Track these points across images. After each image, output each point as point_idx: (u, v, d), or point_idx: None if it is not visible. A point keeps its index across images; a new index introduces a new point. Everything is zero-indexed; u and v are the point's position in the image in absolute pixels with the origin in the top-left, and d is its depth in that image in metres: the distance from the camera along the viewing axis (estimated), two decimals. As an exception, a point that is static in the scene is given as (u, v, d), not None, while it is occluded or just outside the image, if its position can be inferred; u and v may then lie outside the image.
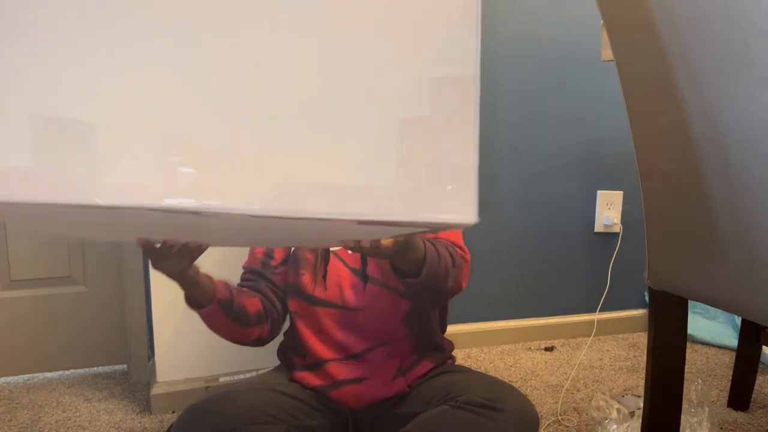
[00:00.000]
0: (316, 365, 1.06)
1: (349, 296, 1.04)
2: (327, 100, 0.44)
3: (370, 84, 0.45)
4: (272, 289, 1.10)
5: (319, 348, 1.06)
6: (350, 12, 0.44)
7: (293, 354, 1.10)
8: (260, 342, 1.07)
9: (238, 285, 1.11)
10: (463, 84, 0.48)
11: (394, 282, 1.03)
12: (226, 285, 1.01)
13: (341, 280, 1.05)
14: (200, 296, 0.95)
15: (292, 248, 1.10)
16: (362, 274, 1.04)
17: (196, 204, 0.43)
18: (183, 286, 0.92)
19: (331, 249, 1.07)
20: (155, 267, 0.84)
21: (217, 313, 0.97)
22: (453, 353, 1.16)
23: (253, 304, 1.04)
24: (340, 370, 1.04)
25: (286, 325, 1.14)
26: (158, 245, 0.80)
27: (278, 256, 1.11)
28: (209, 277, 0.97)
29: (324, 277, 1.05)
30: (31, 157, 0.40)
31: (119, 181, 0.42)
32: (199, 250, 0.83)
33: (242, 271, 1.13)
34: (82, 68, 0.42)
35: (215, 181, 0.43)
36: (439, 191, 0.47)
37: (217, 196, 0.43)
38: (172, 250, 0.80)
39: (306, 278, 1.06)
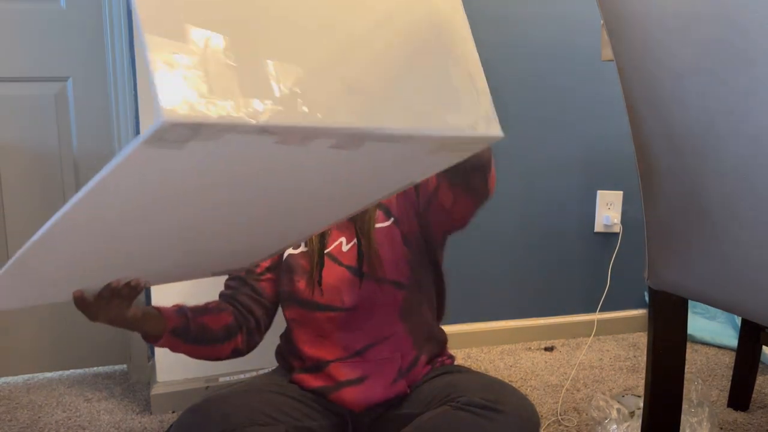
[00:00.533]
0: (316, 368, 1.05)
1: (348, 297, 1.04)
2: (399, 57, 0.60)
3: (422, 45, 0.62)
4: (253, 296, 1.09)
5: (319, 352, 1.05)
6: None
7: (292, 357, 1.10)
8: (238, 353, 1.07)
9: (221, 292, 1.10)
10: (466, 44, 0.66)
11: (391, 274, 1.03)
12: (179, 310, 1.00)
13: (338, 281, 1.05)
14: (151, 330, 0.95)
15: (285, 255, 1.09)
16: (358, 271, 1.04)
17: (363, 126, 0.54)
18: (128, 328, 0.91)
19: (324, 251, 1.07)
20: (94, 319, 0.84)
21: (173, 342, 0.97)
22: (453, 353, 1.16)
23: (218, 319, 1.03)
24: (341, 371, 1.03)
25: (282, 328, 1.14)
26: (92, 299, 0.81)
27: (263, 263, 1.11)
28: (156, 309, 0.96)
29: (320, 282, 1.05)
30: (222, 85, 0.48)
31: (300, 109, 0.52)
32: (137, 290, 0.83)
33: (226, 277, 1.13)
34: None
35: (375, 107, 0.56)
36: (485, 117, 0.63)
37: (373, 119, 0.55)
38: (115, 291, 0.81)
39: (301, 285, 1.06)
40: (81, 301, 0.81)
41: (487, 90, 0.64)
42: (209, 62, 0.47)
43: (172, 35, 0.46)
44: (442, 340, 1.14)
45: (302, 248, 1.08)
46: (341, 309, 1.04)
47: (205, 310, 1.04)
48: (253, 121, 0.47)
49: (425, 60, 0.62)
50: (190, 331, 0.99)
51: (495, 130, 0.63)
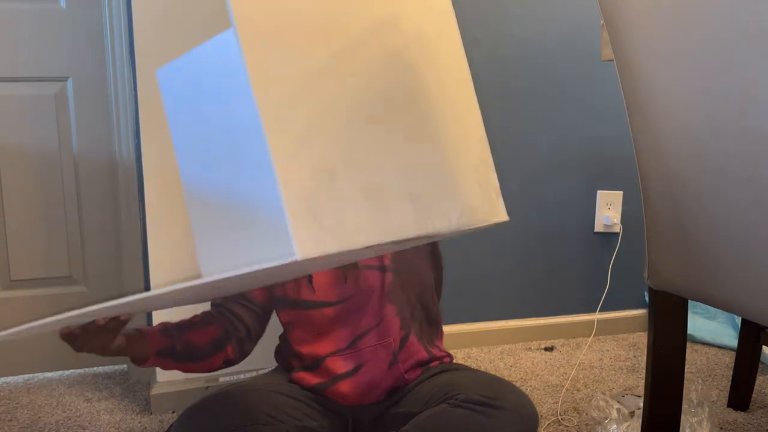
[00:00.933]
0: (314, 365, 1.06)
1: (339, 289, 1.04)
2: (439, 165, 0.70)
3: (454, 149, 0.71)
4: (243, 304, 1.09)
5: (316, 349, 1.05)
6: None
7: (290, 357, 1.10)
8: (229, 363, 1.07)
9: (212, 301, 1.10)
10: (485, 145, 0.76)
11: (371, 259, 1.04)
12: (164, 330, 0.99)
13: (327, 276, 1.05)
14: (137, 355, 0.95)
15: None
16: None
17: (420, 234, 0.64)
18: (114, 356, 0.91)
19: None
20: (79, 350, 0.85)
21: (161, 362, 0.98)
22: (452, 353, 1.16)
23: (205, 334, 1.03)
24: (338, 364, 1.04)
25: (281, 328, 1.14)
26: (78, 330, 0.83)
27: None
28: (141, 331, 0.96)
29: (310, 280, 1.05)
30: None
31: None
32: (122, 323, 0.84)
33: None
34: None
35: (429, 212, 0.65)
36: (495, 205, 0.73)
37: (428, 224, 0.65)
38: (102, 326, 0.82)
39: (292, 285, 1.06)
40: (67, 336, 0.82)
41: (496, 178, 0.75)
42: (328, 199, 0.55)
43: (302, 177, 0.54)
44: (435, 318, 1.14)
45: None
46: (334, 303, 1.04)
47: (191, 325, 1.03)
48: (356, 246, 0.56)
49: (454, 159, 0.71)
50: (176, 350, 0.99)
51: (503, 216, 0.74)
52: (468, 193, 0.70)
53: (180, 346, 0.99)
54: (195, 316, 1.07)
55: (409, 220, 0.63)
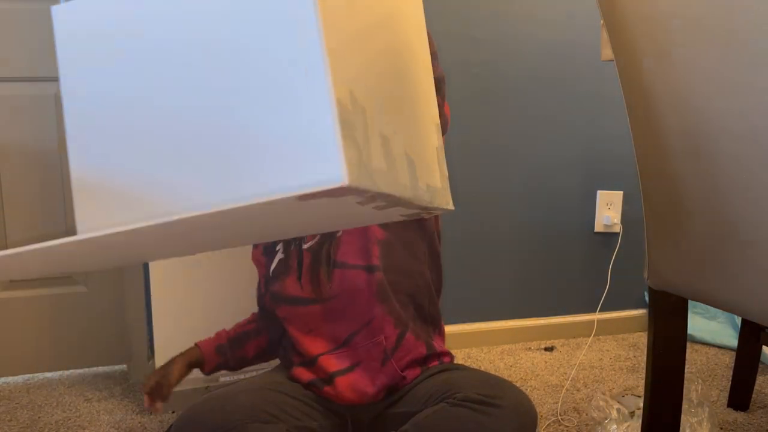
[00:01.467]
0: (310, 362, 1.06)
1: (323, 288, 1.05)
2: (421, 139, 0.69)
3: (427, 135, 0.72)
4: (276, 322, 1.14)
5: (310, 345, 1.06)
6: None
7: (291, 353, 1.11)
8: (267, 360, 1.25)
9: (260, 305, 1.19)
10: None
11: (357, 259, 1.05)
12: (219, 349, 1.17)
13: (312, 275, 1.06)
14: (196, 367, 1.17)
15: (272, 268, 1.12)
16: (330, 261, 1.05)
17: (412, 193, 0.61)
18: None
19: (303, 247, 1.07)
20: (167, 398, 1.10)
21: (213, 373, 1.19)
22: (453, 353, 1.16)
23: (255, 345, 1.20)
24: (332, 362, 1.04)
25: None
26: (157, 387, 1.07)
27: (261, 287, 1.17)
28: (199, 353, 1.15)
29: (299, 277, 1.05)
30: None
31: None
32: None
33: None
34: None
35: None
36: (448, 191, 0.73)
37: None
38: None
39: (285, 282, 1.08)
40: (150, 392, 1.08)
41: (445, 162, 0.76)
42: (362, 132, 0.52)
43: (346, 99, 0.50)
44: (434, 317, 1.14)
45: (280, 255, 1.09)
46: (322, 300, 1.05)
47: (245, 336, 1.19)
48: (381, 190, 0.53)
49: (429, 138, 0.72)
50: (228, 366, 1.18)
51: (452, 204, 0.75)
52: (435, 172, 0.72)
53: (232, 362, 1.18)
54: (250, 322, 1.21)
55: (406, 181, 0.61)
